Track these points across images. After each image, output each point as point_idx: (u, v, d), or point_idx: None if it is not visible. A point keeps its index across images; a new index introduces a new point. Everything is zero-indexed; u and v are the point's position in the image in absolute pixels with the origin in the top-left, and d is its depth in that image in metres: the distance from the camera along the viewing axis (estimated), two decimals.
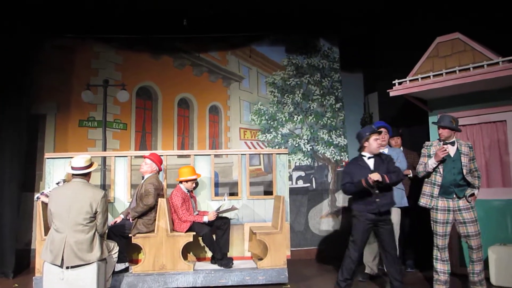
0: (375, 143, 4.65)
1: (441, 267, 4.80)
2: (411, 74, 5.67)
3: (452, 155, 4.79)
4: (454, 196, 4.75)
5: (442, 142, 4.83)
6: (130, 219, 5.35)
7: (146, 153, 5.78)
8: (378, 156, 4.71)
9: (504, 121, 5.40)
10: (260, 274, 5.18)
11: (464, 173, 4.70)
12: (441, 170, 4.79)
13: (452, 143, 4.81)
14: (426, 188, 4.87)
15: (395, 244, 4.81)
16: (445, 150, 4.71)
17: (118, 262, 5.07)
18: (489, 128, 5.46)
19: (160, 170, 5.60)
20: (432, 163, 4.78)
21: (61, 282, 4.37)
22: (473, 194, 4.73)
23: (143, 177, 5.58)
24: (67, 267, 4.36)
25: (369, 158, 4.68)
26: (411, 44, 6.19)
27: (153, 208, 5.32)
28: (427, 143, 5.04)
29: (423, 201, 4.87)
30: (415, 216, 6.00)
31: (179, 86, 7.45)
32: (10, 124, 6.32)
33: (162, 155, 5.89)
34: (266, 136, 7.46)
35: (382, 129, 5.49)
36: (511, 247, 4.98)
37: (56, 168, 5.68)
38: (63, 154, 5.93)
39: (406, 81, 5.68)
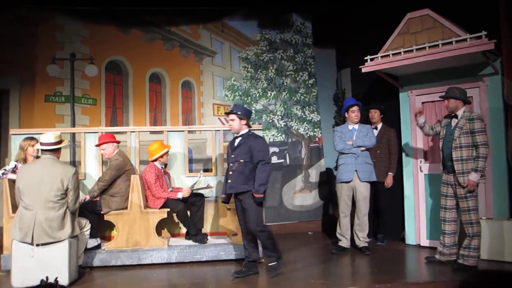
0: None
1: (442, 238, 4.94)
2: (383, 50, 5.71)
3: (452, 128, 4.82)
4: (446, 170, 4.84)
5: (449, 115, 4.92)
6: (87, 198, 5.25)
7: (110, 129, 5.63)
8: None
9: (470, 97, 5.53)
10: (234, 249, 5.22)
11: (453, 147, 4.72)
12: (440, 144, 4.91)
13: (456, 116, 4.82)
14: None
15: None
16: (419, 110, 5.05)
17: (90, 238, 5.00)
18: None
19: (118, 142, 5.48)
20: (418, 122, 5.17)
21: (31, 260, 4.29)
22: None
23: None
24: (37, 245, 4.28)
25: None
26: (384, 19, 6.21)
27: (113, 183, 5.22)
28: (444, 116, 5.16)
29: None
30: (386, 190, 6.15)
31: (150, 61, 7.30)
32: None
33: (134, 131, 5.80)
34: None
35: (355, 107, 5.62)
36: None
37: None
38: (29, 130, 5.70)
39: (377, 57, 5.72)
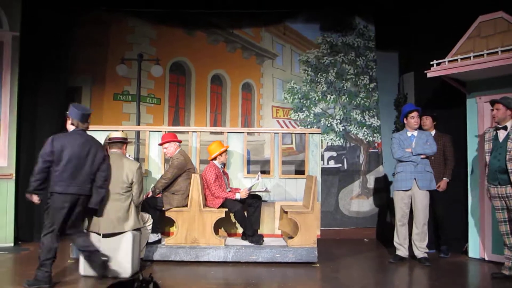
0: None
1: (507, 252, 4.76)
2: (451, 54, 5.51)
3: (500, 141, 4.69)
4: (498, 183, 4.68)
5: (494, 127, 4.77)
6: (149, 194, 5.46)
7: (173, 128, 5.82)
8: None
9: None
10: (290, 252, 5.23)
11: (508, 159, 4.57)
12: (487, 157, 4.78)
13: (505, 128, 4.69)
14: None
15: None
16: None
17: (151, 233, 5.21)
18: None
19: (180, 142, 5.66)
20: None
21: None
22: None
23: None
24: (104, 236, 4.54)
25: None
26: (450, 23, 6.00)
27: (174, 181, 5.37)
28: (485, 129, 5.04)
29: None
30: (443, 198, 5.89)
31: (212, 62, 7.47)
32: (48, 96, 6.55)
33: (195, 131, 5.97)
34: (298, 115, 7.43)
35: (415, 112, 5.48)
36: None
37: None
38: (99, 126, 6.03)
39: (444, 61, 5.52)
